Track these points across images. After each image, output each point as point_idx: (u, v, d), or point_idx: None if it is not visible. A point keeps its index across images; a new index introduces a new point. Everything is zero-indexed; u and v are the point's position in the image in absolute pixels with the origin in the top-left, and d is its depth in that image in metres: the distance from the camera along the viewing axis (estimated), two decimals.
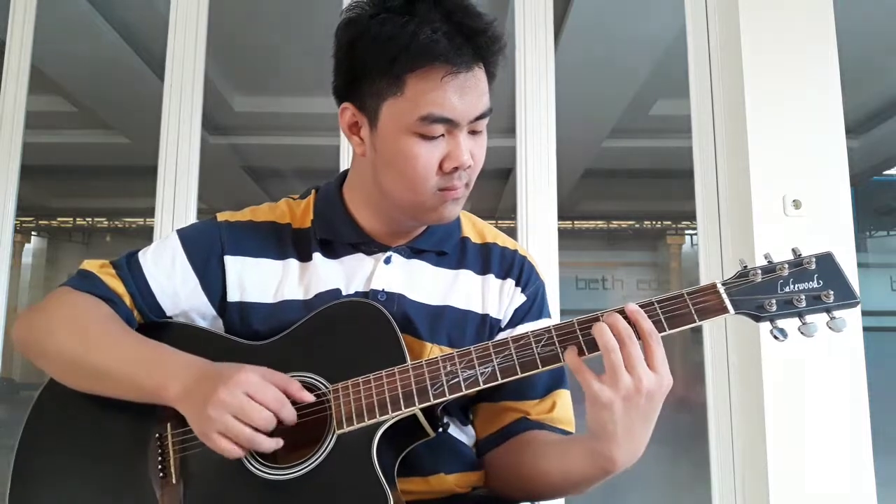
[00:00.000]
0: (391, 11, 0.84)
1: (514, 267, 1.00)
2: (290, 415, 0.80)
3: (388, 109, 0.85)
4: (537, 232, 2.01)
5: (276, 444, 0.79)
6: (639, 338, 0.75)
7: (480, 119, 0.87)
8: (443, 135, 0.85)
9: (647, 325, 0.75)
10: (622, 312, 0.77)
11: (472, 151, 0.87)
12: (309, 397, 0.82)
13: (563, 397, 0.98)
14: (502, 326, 0.99)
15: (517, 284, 1.00)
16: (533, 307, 1.00)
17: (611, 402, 0.74)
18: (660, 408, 0.77)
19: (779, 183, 1.88)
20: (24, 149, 2.09)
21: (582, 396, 0.85)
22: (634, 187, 5.52)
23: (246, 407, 0.77)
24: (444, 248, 0.99)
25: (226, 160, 4.54)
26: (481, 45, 0.85)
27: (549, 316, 1.03)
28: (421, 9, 0.83)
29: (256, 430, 0.78)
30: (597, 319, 0.79)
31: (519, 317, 0.99)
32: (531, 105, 2.07)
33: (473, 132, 0.88)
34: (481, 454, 0.98)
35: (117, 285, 0.93)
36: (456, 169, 0.86)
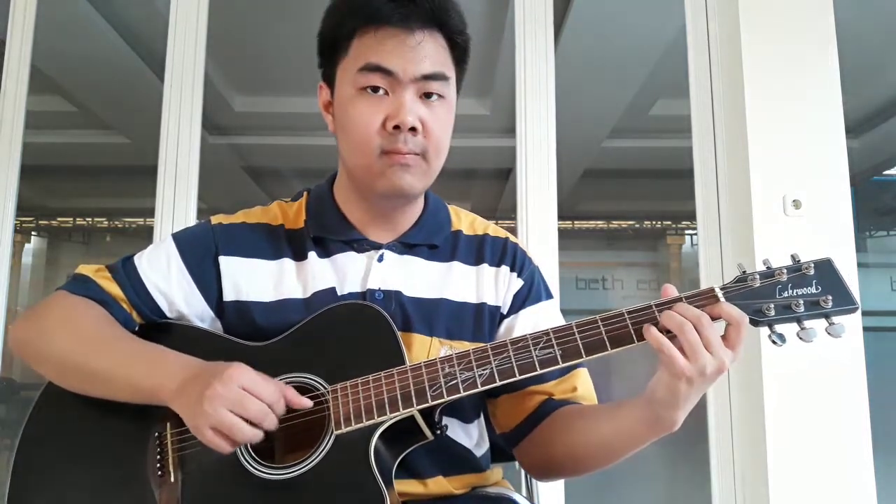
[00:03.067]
0: None
1: (506, 254, 1.01)
2: (281, 411, 0.80)
3: (340, 73, 0.90)
4: (537, 232, 2.01)
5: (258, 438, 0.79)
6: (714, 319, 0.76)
7: (429, 80, 0.87)
8: (386, 92, 0.87)
9: (734, 312, 0.76)
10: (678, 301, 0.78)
11: (424, 118, 0.87)
12: (307, 403, 0.81)
13: (583, 376, 0.99)
14: (504, 313, 0.99)
15: (512, 270, 1.00)
16: (532, 291, 1.01)
17: (692, 378, 0.75)
18: None
19: (779, 183, 1.88)
20: (24, 149, 2.09)
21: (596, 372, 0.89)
22: (634, 187, 5.51)
23: (242, 399, 0.77)
24: (434, 241, 0.99)
25: (226, 160, 4.53)
26: (429, 12, 0.87)
27: (551, 297, 1.03)
28: None
29: (252, 424, 0.77)
30: (594, 322, 0.80)
31: (519, 301, 1.00)
32: (531, 105, 2.07)
33: (427, 96, 0.88)
34: (513, 445, 0.99)
35: (113, 288, 0.94)
36: (397, 128, 0.86)
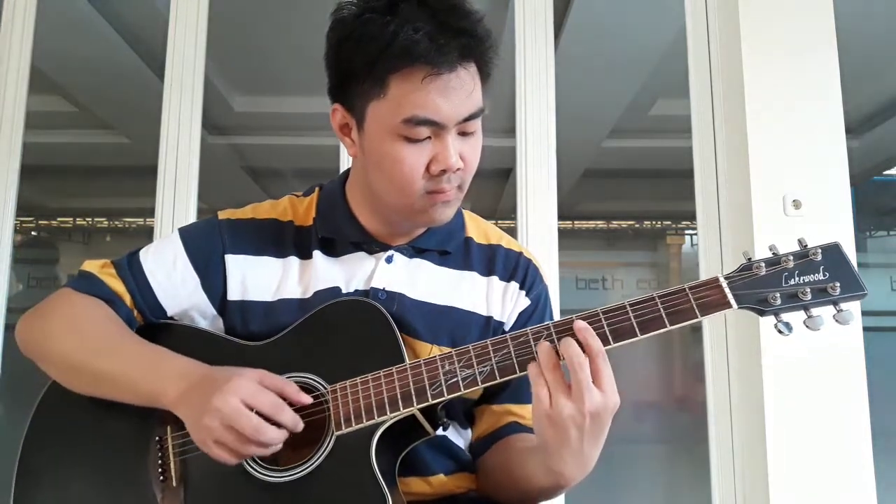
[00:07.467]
0: (375, 11, 0.82)
1: (518, 269, 0.99)
2: (289, 419, 0.79)
3: (373, 111, 0.84)
4: (537, 232, 2.00)
5: (268, 451, 0.79)
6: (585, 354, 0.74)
7: (469, 120, 0.85)
8: (429, 137, 0.83)
9: (595, 343, 0.74)
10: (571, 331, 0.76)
11: (463, 153, 0.85)
12: (306, 399, 0.81)
13: None
14: (506, 330, 0.97)
15: (521, 287, 0.98)
16: (537, 311, 0.99)
17: (552, 419, 0.73)
18: (608, 426, 0.75)
19: (779, 183, 1.88)
20: (24, 149, 2.08)
21: None
22: (634, 187, 5.51)
23: (236, 415, 0.76)
24: (446, 247, 0.98)
25: (226, 160, 4.53)
26: (467, 45, 0.82)
27: (552, 320, 1.02)
28: (404, 9, 0.81)
29: (248, 438, 0.77)
30: (595, 315, 0.78)
31: (523, 321, 0.98)
32: (531, 105, 2.07)
33: (464, 133, 0.86)
34: (474, 457, 0.98)
35: (118, 285, 0.93)
36: (444, 172, 0.84)
